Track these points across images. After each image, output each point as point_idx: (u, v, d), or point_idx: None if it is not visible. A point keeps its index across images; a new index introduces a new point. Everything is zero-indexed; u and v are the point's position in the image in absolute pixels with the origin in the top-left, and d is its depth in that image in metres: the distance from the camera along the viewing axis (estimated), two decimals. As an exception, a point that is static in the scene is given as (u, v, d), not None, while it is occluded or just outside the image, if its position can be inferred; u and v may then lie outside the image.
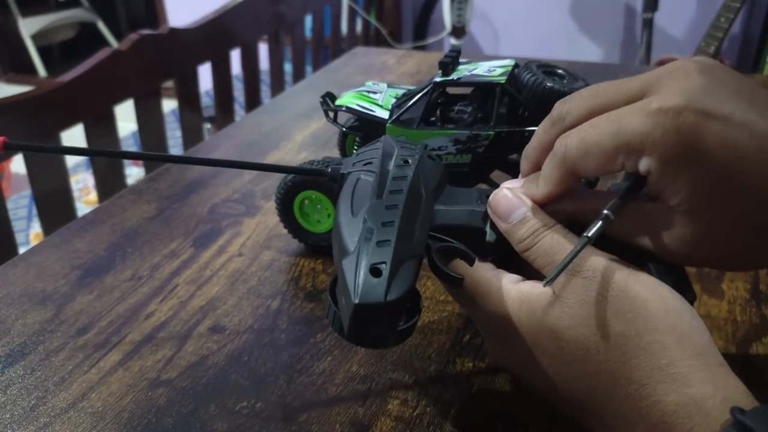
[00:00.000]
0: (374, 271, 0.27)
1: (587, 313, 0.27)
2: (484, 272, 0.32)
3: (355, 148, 0.51)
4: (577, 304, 0.28)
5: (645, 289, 0.27)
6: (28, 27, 2.92)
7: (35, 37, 2.95)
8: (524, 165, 0.34)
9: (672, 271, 0.30)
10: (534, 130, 0.43)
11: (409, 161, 0.33)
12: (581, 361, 0.28)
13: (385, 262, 0.27)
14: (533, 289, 0.30)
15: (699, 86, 0.27)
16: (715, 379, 0.25)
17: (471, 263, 0.32)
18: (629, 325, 0.27)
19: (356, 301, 0.26)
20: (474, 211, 0.33)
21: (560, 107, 0.31)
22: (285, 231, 0.52)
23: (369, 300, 0.26)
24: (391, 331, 0.28)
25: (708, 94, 0.26)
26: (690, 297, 0.30)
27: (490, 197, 0.33)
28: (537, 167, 0.33)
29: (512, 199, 0.32)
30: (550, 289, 0.29)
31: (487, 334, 0.34)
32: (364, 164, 0.33)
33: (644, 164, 0.27)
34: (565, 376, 0.29)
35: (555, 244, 0.30)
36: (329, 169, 0.35)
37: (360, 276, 0.27)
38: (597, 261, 0.28)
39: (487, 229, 0.33)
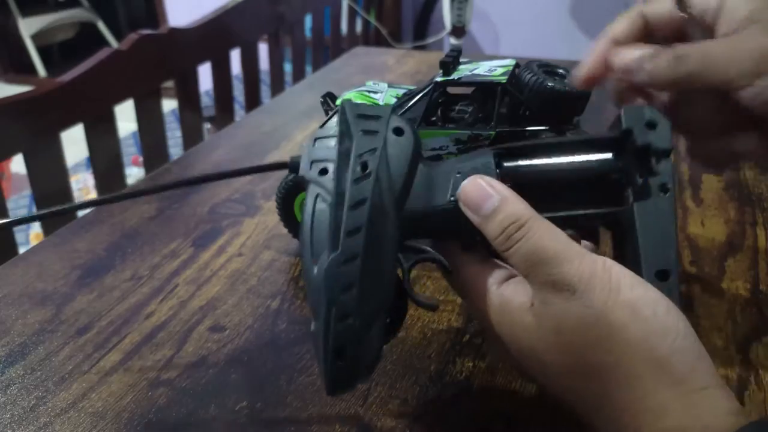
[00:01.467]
0: (339, 355, 0.28)
1: (564, 342, 0.26)
2: (470, 269, 0.30)
3: None
4: (553, 331, 0.27)
5: (625, 313, 0.26)
6: (27, 27, 2.92)
7: (35, 37, 2.95)
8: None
9: (661, 235, 0.30)
10: (535, 130, 0.43)
11: (369, 165, 0.29)
12: (564, 378, 0.27)
13: (348, 343, 0.28)
14: (514, 297, 0.29)
15: None
16: (693, 407, 0.24)
17: (447, 272, 0.31)
18: (605, 356, 0.26)
19: (327, 390, 0.28)
20: (448, 209, 0.30)
21: None
22: (285, 231, 0.52)
23: (340, 386, 0.28)
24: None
25: None
26: (673, 276, 0.29)
27: (459, 189, 0.30)
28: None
29: (483, 187, 0.29)
30: (529, 301, 0.28)
31: (480, 324, 0.33)
32: (320, 171, 0.30)
33: None
34: (552, 386, 0.29)
35: (530, 253, 0.27)
36: (289, 161, 0.33)
37: (328, 361, 0.28)
38: (578, 275, 0.26)
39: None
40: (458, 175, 0.30)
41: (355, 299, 0.27)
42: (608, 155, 0.31)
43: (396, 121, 0.30)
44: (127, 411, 0.37)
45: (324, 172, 0.29)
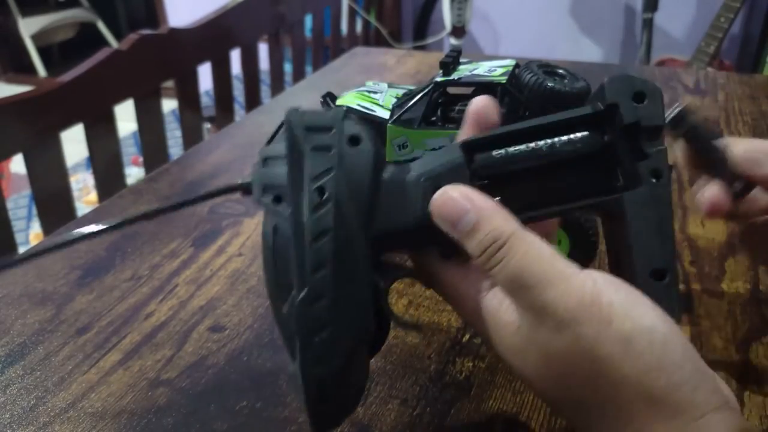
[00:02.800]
0: (322, 399, 0.26)
1: (551, 373, 0.25)
2: (452, 277, 0.28)
3: None
4: (541, 360, 0.25)
5: (616, 346, 0.24)
6: (28, 27, 2.91)
7: (35, 37, 2.95)
8: None
9: (658, 233, 0.27)
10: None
11: (326, 191, 0.26)
12: (554, 404, 0.27)
13: (328, 386, 0.26)
14: (500, 313, 0.26)
15: None
16: None
17: (427, 286, 0.29)
18: (595, 393, 0.24)
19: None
20: (419, 224, 0.27)
21: None
22: (285, 231, 0.52)
23: (326, 427, 0.28)
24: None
25: None
26: (669, 276, 0.27)
27: (431, 204, 0.27)
28: None
29: (456, 202, 0.26)
30: (516, 322, 0.26)
31: None
32: (274, 198, 0.27)
33: None
34: (544, 398, 0.28)
35: (514, 277, 0.25)
36: (241, 184, 0.28)
37: (311, 407, 0.26)
38: (563, 304, 0.24)
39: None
40: (426, 183, 0.27)
41: (329, 340, 0.25)
42: (588, 133, 0.27)
43: (350, 128, 0.27)
44: (126, 411, 0.37)
45: (278, 199, 0.26)
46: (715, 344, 0.41)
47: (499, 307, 0.26)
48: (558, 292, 0.24)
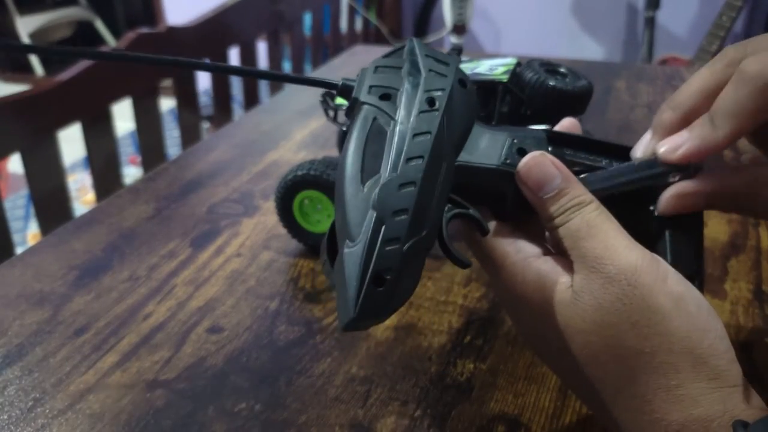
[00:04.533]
0: (378, 279, 0.25)
1: (601, 320, 0.26)
2: (498, 240, 0.29)
3: None
4: (592, 307, 0.26)
5: (669, 301, 0.25)
6: (25, 25, 2.91)
7: (33, 36, 2.94)
8: (670, 116, 0.29)
9: (690, 244, 0.30)
10: (536, 130, 0.43)
11: (436, 102, 0.28)
12: (587, 365, 0.27)
13: (390, 269, 0.25)
14: (552, 274, 0.28)
15: None
16: (726, 400, 0.24)
17: (484, 235, 0.29)
18: (644, 341, 0.25)
19: (353, 315, 0.25)
20: (501, 172, 0.29)
21: (737, 49, 0.28)
22: (284, 231, 0.52)
23: (368, 315, 0.25)
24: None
25: None
26: (698, 281, 0.29)
27: (521, 164, 0.29)
28: (686, 120, 0.29)
29: (547, 166, 0.28)
30: (569, 279, 0.27)
31: (500, 300, 0.32)
32: (381, 95, 0.29)
33: None
34: (570, 372, 0.28)
35: (582, 226, 0.27)
36: (340, 83, 0.30)
37: (365, 284, 0.25)
38: (625, 254, 0.26)
39: (511, 193, 0.30)
40: (514, 141, 0.30)
41: (406, 225, 0.26)
42: (651, 170, 0.31)
43: (462, 72, 0.30)
44: (125, 413, 0.36)
45: (386, 97, 0.29)
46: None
47: (552, 269, 0.28)
48: (622, 243, 0.26)
